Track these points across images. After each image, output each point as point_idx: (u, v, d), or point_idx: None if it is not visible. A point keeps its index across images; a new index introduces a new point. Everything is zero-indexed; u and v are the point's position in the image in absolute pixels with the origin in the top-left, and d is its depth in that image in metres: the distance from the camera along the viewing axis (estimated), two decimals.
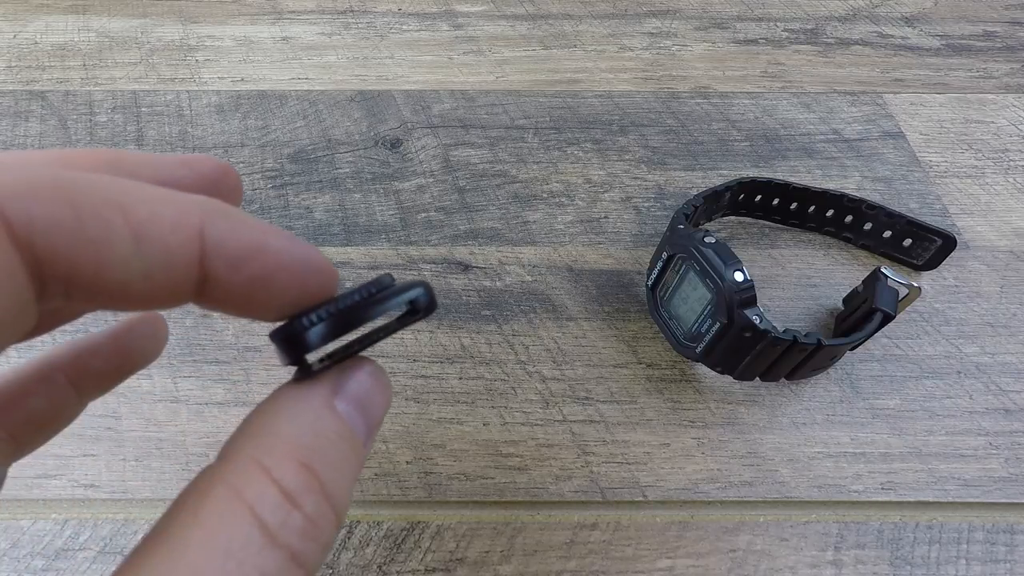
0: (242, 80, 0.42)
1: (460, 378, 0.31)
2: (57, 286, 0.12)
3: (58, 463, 0.28)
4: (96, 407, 0.30)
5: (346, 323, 0.14)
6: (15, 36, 0.44)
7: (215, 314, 0.32)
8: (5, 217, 0.11)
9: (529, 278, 0.34)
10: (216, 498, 0.12)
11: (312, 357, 0.14)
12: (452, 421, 0.30)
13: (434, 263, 0.34)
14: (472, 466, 0.29)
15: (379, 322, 0.14)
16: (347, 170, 0.38)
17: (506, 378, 0.31)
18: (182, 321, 0.32)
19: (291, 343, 0.14)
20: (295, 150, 0.39)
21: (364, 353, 0.15)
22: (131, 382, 0.30)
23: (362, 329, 0.14)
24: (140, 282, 0.13)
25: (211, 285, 0.13)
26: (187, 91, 0.41)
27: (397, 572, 0.26)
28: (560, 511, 0.28)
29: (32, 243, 0.11)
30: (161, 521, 0.12)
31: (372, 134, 0.40)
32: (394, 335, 0.15)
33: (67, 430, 0.29)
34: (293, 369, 0.15)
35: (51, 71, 0.42)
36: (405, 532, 0.27)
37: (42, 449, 0.28)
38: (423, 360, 0.31)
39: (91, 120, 0.40)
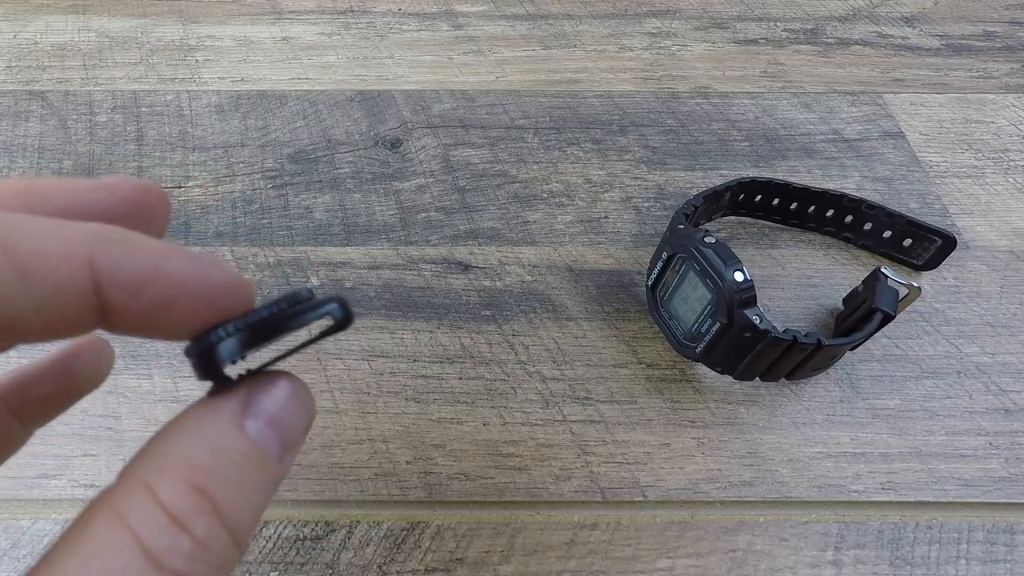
0: (242, 80, 0.42)
1: (460, 378, 0.31)
2: None
3: (58, 463, 0.28)
4: (96, 407, 0.30)
5: (257, 335, 0.14)
6: (15, 36, 0.44)
7: None
8: None
9: (529, 278, 0.34)
10: (99, 523, 0.12)
11: (228, 372, 0.14)
12: (452, 421, 0.30)
13: (434, 263, 0.34)
14: (472, 466, 0.29)
15: (295, 334, 0.14)
16: (347, 170, 0.38)
17: (506, 378, 0.31)
18: None
19: (200, 358, 0.14)
20: (295, 150, 0.39)
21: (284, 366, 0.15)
22: (131, 382, 0.30)
23: (280, 344, 0.14)
24: (32, 317, 0.12)
25: (112, 313, 0.13)
26: (187, 91, 0.41)
27: (397, 572, 0.26)
28: (560, 511, 0.28)
29: None
30: (48, 549, 0.12)
31: (372, 134, 0.40)
32: (315, 345, 0.15)
33: (67, 430, 0.29)
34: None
35: (51, 71, 0.42)
36: (405, 532, 0.27)
37: (42, 449, 0.29)
38: (423, 360, 0.31)
39: (91, 120, 0.40)
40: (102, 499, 0.12)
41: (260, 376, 0.15)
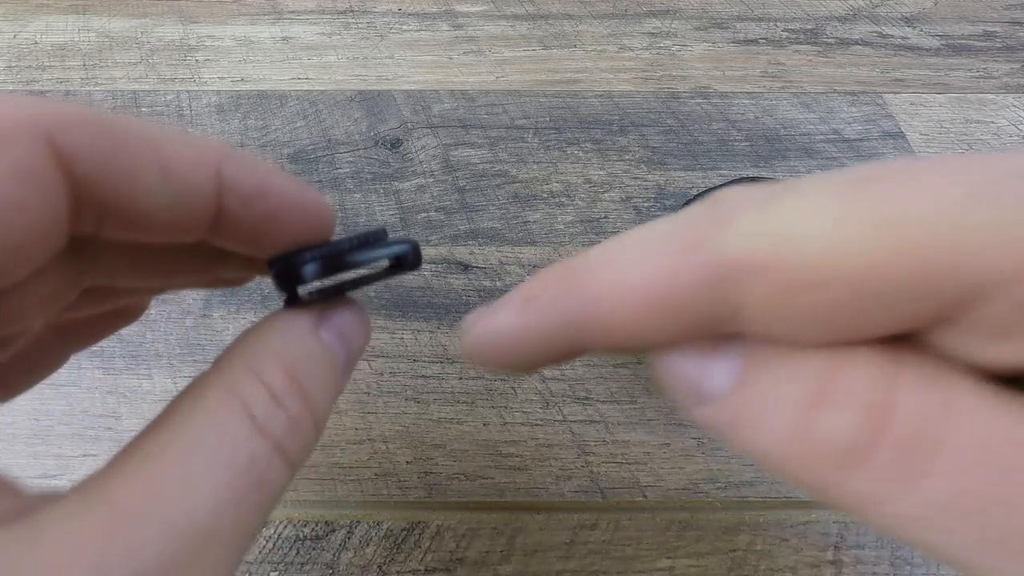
0: (242, 80, 0.42)
1: (460, 378, 0.31)
2: (90, 210, 0.14)
3: (58, 463, 0.28)
4: (96, 407, 0.30)
5: (336, 265, 0.16)
6: (15, 36, 0.44)
7: (215, 314, 0.32)
8: (54, 141, 0.12)
9: (529, 278, 0.34)
10: (212, 393, 0.14)
11: (304, 290, 0.16)
12: (452, 421, 0.30)
13: (434, 263, 0.34)
14: (472, 466, 0.29)
15: (368, 269, 0.16)
16: (347, 170, 0.38)
17: (506, 378, 0.31)
18: (182, 321, 0.32)
19: (286, 274, 0.16)
20: (295, 150, 0.39)
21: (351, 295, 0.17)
22: (131, 382, 0.30)
23: (351, 273, 0.16)
24: (164, 212, 0.14)
25: (225, 220, 0.15)
26: (187, 91, 0.41)
27: (397, 572, 0.26)
28: (560, 511, 0.28)
29: (74, 167, 0.13)
30: (161, 414, 0.14)
31: (372, 134, 0.40)
32: (382, 281, 0.17)
33: (67, 430, 0.29)
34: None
35: (51, 71, 0.42)
36: (405, 532, 0.27)
37: (42, 449, 0.29)
38: (423, 360, 0.31)
39: None
40: (209, 379, 0.14)
41: (332, 298, 0.17)
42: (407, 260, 0.16)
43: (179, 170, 0.14)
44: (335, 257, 0.16)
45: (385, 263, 0.16)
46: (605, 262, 0.12)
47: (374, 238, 0.16)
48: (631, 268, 0.12)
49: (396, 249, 0.16)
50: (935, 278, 0.10)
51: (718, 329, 0.12)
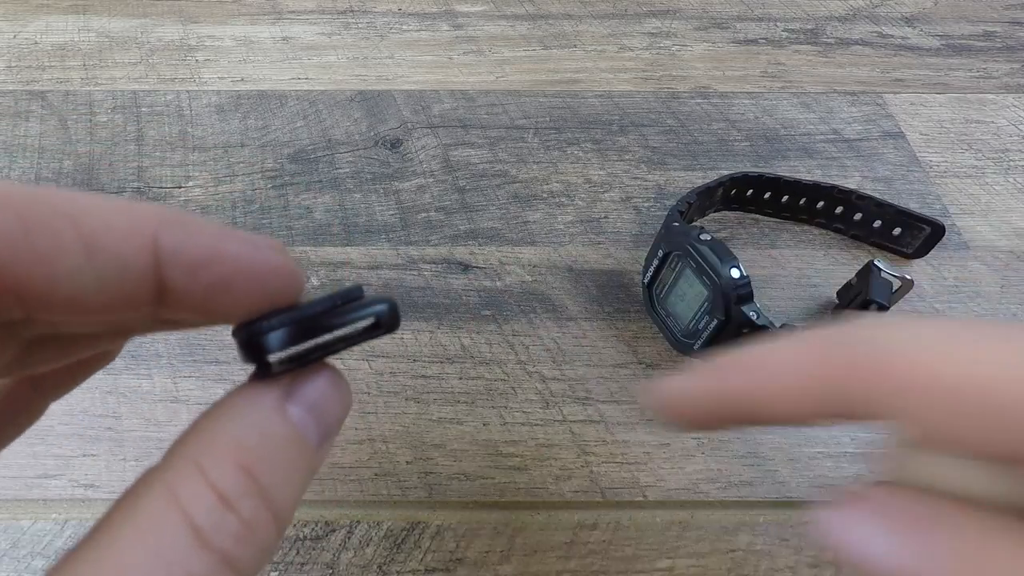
0: (242, 80, 0.42)
1: (460, 378, 0.31)
2: (9, 299, 0.12)
3: (58, 463, 0.28)
4: (96, 407, 0.30)
5: (307, 330, 0.14)
6: (15, 36, 0.44)
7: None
8: None
9: (529, 278, 0.34)
10: (151, 497, 0.12)
11: (273, 358, 0.14)
12: (452, 421, 0.30)
13: (434, 263, 0.34)
14: (472, 466, 0.29)
15: (343, 331, 0.15)
16: (347, 170, 0.38)
17: (506, 378, 0.31)
18: None
19: (250, 344, 0.14)
20: (295, 150, 0.39)
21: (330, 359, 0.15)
22: (131, 382, 0.30)
23: (325, 336, 0.14)
24: (94, 293, 0.12)
25: (169, 293, 0.13)
26: (187, 91, 0.41)
27: (397, 572, 0.26)
28: (560, 511, 0.28)
29: None
30: (100, 521, 0.12)
31: (372, 134, 0.40)
32: (357, 345, 0.15)
33: (67, 430, 0.29)
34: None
35: (51, 71, 0.42)
36: (405, 532, 0.27)
37: (42, 449, 0.29)
38: (423, 360, 0.31)
39: (91, 120, 0.40)
40: (153, 475, 0.13)
41: (305, 366, 0.15)
42: (383, 322, 0.15)
43: (106, 246, 0.12)
44: (305, 322, 0.14)
45: (362, 324, 0.15)
46: (766, 349, 0.14)
47: (348, 298, 0.15)
48: (784, 350, 0.14)
49: (374, 310, 0.15)
50: None
51: (853, 414, 0.13)
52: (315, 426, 0.14)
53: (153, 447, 0.29)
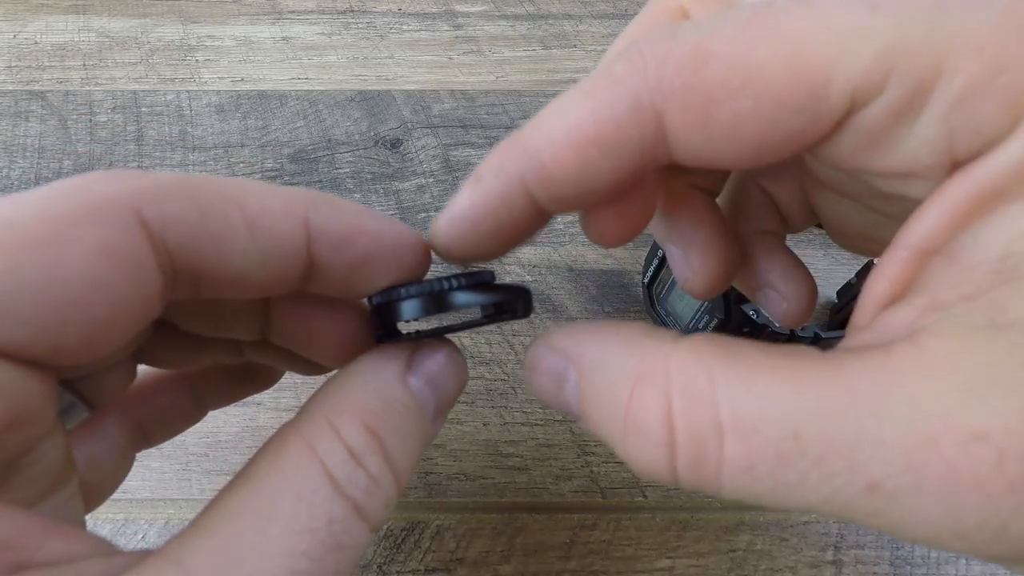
0: (242, 80, 0.42)
1: None
2: (186, 278, 0.13)
3: None
4: None
5: (439, 304, 0.15)
6: (15, 36, 0.44)
7: None
8: (143, 216, 0.12)
9: (529, 278, 0.34)
10: (292, 448, 0.13)
11: (403, 327, 0.15)
12: (452, 421, 0.30)
13: (434, 263, 0.34)
14: (472, 466, 0.29)
15: (470, 314, 0.15)
16: (347, 170, 0.38)
17: (506, 378, 0.31)
18: None
19: (382, 311, 0.15)
20: (295, 150, 0.39)
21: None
22: None
23: (454, 314, 0.15)
24: (257, 270, 0.14)
25: (316, 268, 0.14)
26: (187, 91, 0.41)
27: (397, 572, 0.26)
28: (560, 511, 0.28)
29: (165, 240, 0.13)
30: (244, 468, 0.13)
31: (372, 134, 0.40)
32: (481, 328, 0.16)
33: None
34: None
35: (51, 71, 0.42)
36: (405, 532, 0.27)
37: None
38: None
39: (91, 120, 0.40)
40: (289, 428, 0.14)
41: (424, 340, 0.16)
42: (515, 306, 0.15)
43: (267, 226, 0.13)
44: (439, 296, 0.15)
45: (494, 306, 0.15)
46: (541, 122, 0.13)
47: (480, 280, 0.15)
48: (563, 117, 0.13)
49: (506, 296, 0.15)
50: (814, 81, 0.11)
51: (652, 161, 0.13)
52: (432, 398, 0.15)
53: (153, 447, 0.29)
